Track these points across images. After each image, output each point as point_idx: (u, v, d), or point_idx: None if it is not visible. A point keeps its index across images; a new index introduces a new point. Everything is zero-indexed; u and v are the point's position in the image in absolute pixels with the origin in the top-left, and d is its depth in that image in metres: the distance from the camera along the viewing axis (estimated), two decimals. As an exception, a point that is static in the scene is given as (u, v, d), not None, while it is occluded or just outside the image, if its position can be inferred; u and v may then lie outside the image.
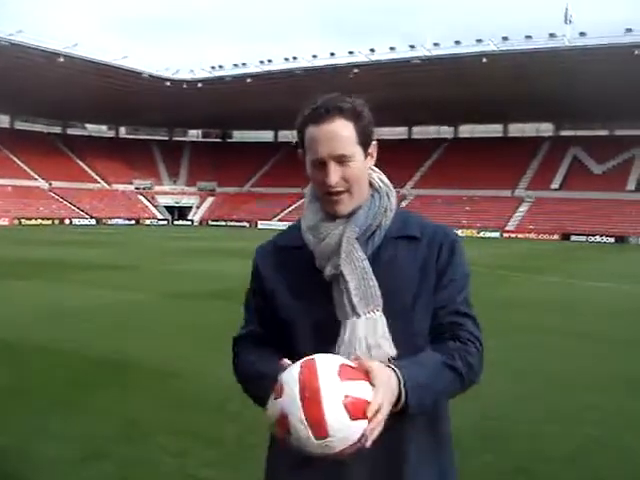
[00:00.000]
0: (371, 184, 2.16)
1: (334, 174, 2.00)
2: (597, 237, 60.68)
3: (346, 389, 1.68)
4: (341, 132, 2.01)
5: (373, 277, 2.03)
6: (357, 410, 1.67)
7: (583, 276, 23.50)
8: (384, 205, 2.12)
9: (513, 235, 65.38)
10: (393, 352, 1.98)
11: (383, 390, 1.75)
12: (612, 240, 59.71)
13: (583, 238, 60.77)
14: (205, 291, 16.74)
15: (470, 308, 2.14)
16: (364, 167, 2.09)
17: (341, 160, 2.00)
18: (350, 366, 1.76)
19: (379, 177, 2.19)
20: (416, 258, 2.10)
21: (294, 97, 67.99)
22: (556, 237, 62.72)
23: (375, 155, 2.14)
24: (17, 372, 8.27)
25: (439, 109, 75.61)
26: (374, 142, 2.12)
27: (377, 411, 1.71)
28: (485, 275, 20.74)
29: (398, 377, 1.83)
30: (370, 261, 2.06)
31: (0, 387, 7.53)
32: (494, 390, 7.05)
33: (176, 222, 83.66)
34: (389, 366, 1.86)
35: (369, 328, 2.01)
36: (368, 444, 1.71)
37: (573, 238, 61.46)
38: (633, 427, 6.52)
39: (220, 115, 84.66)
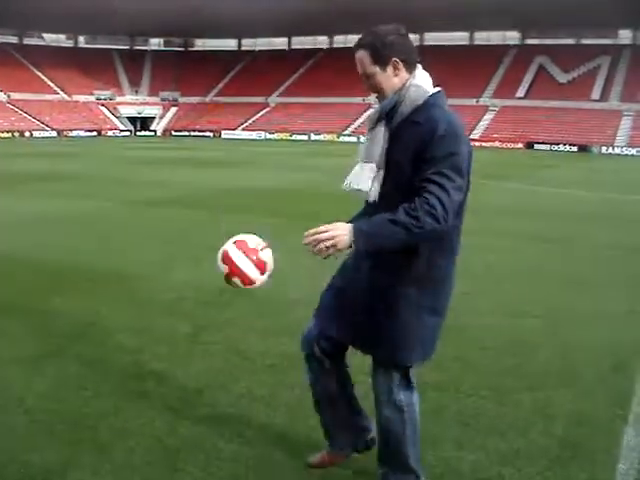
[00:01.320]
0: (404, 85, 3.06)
1: (365, 84, 3.13)
2: (560, 146, 61.09)
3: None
4: (360, 59, 3.07)
5: (380, 142, 3.09)
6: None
7: (542, 183, 23.83)
8: (401, 99, 3.03)
9: (477, 144, 65.53)
10: (367, 192, 3.11)
11: (332, 227, 2.84)
12: (575, 149, 60.16)
13: (547, 147, 61.22)
14: (164, 198, 16.70)
15: (443, 178, 2.86)
16: (384, 77, 3.06)
17: (366, 76, 3.09)
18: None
19: (411, 81, 3.07)
20: (416, 139, 2.94)
21: (256, 2, 66.35)
22: (520, 146, 63.06)
23: (399, 66, 3.05)
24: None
25: (404, 16, 74.35)
26: (394, 59, 3.03)
27: (315, 232, 2.82)
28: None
29: (351, 228, 2.84)
30: (390, 135, 3.07)
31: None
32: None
33: (139, 133, 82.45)
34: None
35: (359, 171, 3.16)
36: (313, 250, 2.82)
37: (537, 147, 61.95)
38: (570, 322, 6.77)
39: (182, 23, 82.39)
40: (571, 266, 9.73)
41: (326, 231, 2.81)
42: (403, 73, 3.07)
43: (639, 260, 10.41)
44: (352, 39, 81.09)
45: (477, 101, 74.65)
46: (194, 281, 8.08)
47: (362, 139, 3.27)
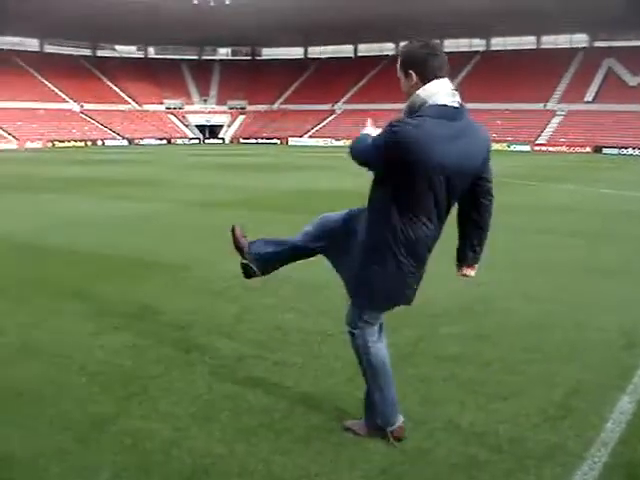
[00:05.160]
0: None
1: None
2: (629, 150, 60.12)
3: None
4: (397, 65, 3.71)
5: None
6: None
7: (599, 184, 23.83)
8: (411, 102, 3.63)
9: (544, 148, 65.00)
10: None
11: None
12: (644, 152, 59.14)
13: (615, 151, 60.26)
14: (227, 200, 17.49)
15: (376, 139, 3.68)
16: (405, 84, 3.68)
17: (398, 78, 3.72)
18: None
19: (423, 88, 3.57)
20: None
21: (323, 12, 66.96)
22: (588, 150, 62.28)
23: (413, 76, 3.61)
24: (39, 267, 9.11)
25: (471, 21, 74.31)
26: (410, 70, 3.61)
27: None
28: (505, 185, 21.21)
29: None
30: None
31: (22, 279, 8.36)
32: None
33: (207, 141, 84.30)
34: None
35: None
36: None
37: (605, 151, 60.99)
38: (589, 307, 7.23)
39: (249, 32, 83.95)
40: (602, 258, 10.17)
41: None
42: (418, 84, 3.61)
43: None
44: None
45: (544, 106, 74.05)
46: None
47: None
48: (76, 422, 4.24)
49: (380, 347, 3.99)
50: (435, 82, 3.58)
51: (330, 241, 4.16)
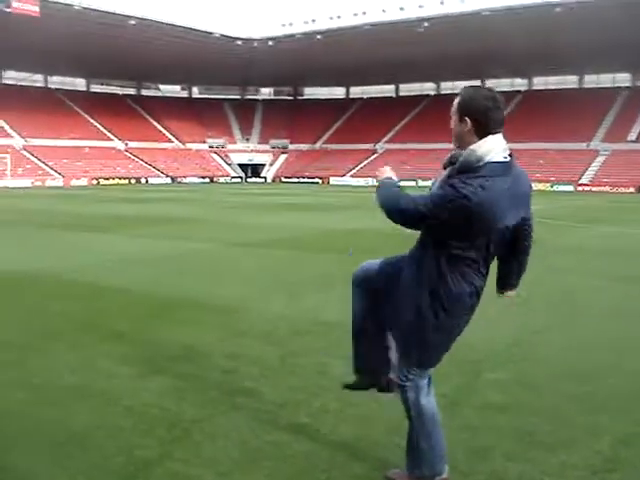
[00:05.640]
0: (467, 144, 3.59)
1: None
2: (673, 190, 59.30)
3: None
4: (453, 103, 3.64)
5: (437, 182, 3.70)
6: None
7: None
8: (466, 160, 3.50)
9: (587, 188, 64.35)
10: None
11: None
12: (690, 192, 58.27)
13: (660, 191, 59.50)
14: (270, 240, 17.64)
15: (422, 198, 3.55)
16: (459, 127, 3.60)
17: (450, 117, 3.66)
18: None
19: (479, 145, 3.51)
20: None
21: (365, 52, 67.91)
22: (632, 190, 61.55)
23: (468, 123, 3.55)
24: (90, 308, 9.22)
25: (512, 61, 74.46)
26: (466, 117, 3.54)
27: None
28: (549, 226, 21.14)
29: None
30: (444, 179, 3.61)
31: (74, 320, 8.48)
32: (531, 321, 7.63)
33: (249, 179, 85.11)
34: None
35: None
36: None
37: (649, 191, 60.25)
38: (636, 352, 7.14)
39: (291, 72, 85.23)
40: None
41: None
42: (471, 132, 3.55)
43: None
44: (459, 85, 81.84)
45: (588, 145, 73.48)
46: (289, 314, 8.77)
47: None
48: (121, 466, 4.28)
49: (430, 399, 3.96)
50: (492, 138, 3.54)
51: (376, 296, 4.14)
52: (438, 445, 3.94)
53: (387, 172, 3.86)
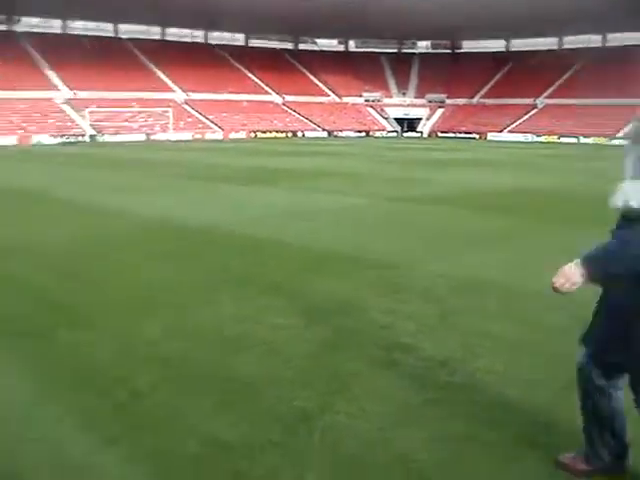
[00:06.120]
0: None
1: None
2: None
3: None
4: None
5: None
6: None
7: None
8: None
9: None
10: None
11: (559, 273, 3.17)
12: None
13: None
14: (429, 196, 17.43)
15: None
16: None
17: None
18: None
19: None
20: None
21: (526, 3, 64.94)
22: None
23: None
24: (254, 260, 9.49)
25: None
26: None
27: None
28: None
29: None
30: None
31: (234, 272, 8.75)
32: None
33: (405, 134, 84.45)
34: None
35: (633, 188, 3.10)
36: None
37: None
38: None
39: (449, 25, 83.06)
40: None
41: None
42: None
43: None
44: (627, 37, 77.47)
45: None
46: (448, 271, 8.64)
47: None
48: (283, 415, 4.36)
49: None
50: None
51: None
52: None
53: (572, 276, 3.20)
